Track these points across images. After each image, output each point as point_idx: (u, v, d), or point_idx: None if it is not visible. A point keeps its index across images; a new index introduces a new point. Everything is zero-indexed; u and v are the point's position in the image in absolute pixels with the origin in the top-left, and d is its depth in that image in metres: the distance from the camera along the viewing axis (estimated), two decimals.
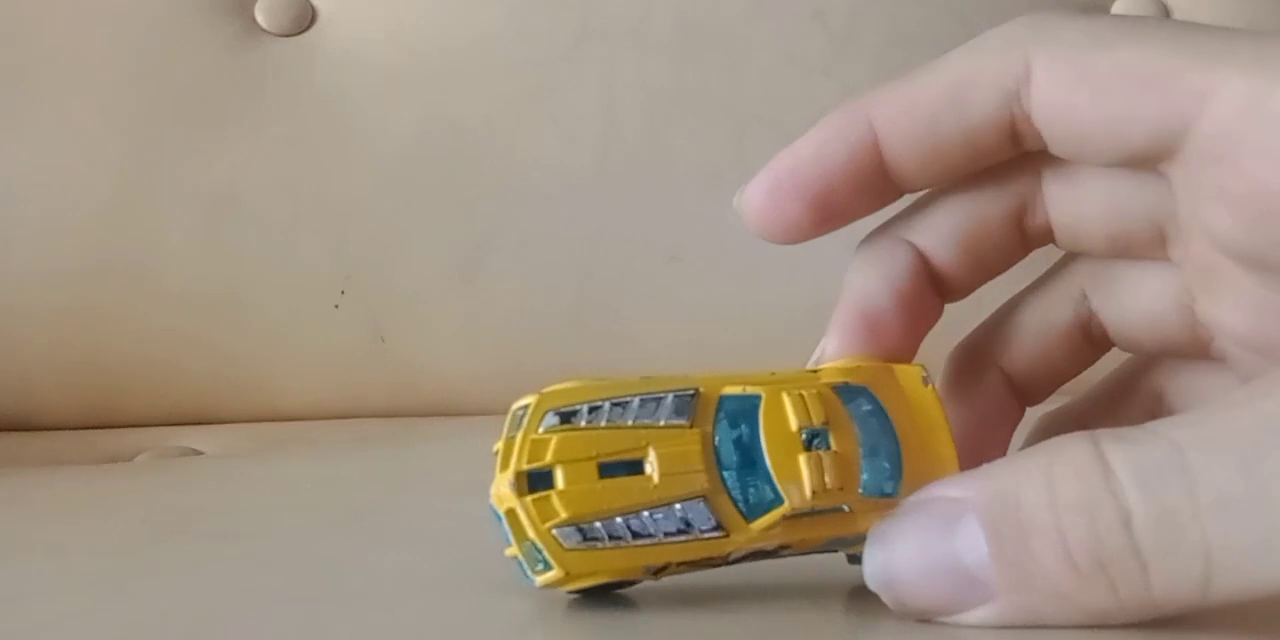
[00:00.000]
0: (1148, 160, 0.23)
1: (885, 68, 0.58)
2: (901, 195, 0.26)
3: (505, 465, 0.22)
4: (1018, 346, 0.28)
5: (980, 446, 0.28)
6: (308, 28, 0.58)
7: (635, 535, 0.22)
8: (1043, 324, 0.28)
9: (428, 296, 0.57)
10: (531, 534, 0.22)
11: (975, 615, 0.21)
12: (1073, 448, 0.21)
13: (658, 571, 0.22)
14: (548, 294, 0.57)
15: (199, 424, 0.56)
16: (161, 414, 0.57)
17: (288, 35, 0.58)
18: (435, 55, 0.58)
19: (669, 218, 0.58)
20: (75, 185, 0.57)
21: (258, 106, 0.58)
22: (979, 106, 0.24)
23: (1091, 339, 0.28)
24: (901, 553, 0.22)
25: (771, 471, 0.22)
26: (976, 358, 0.28)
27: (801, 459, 0.22)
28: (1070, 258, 0.28)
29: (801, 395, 0.23)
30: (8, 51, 0.57)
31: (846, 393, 0.24)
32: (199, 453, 0.53)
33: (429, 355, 0.57)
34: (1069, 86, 0.23)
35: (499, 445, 0.23)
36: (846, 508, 0.23)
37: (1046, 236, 0.27)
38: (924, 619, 0.22)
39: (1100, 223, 0.26)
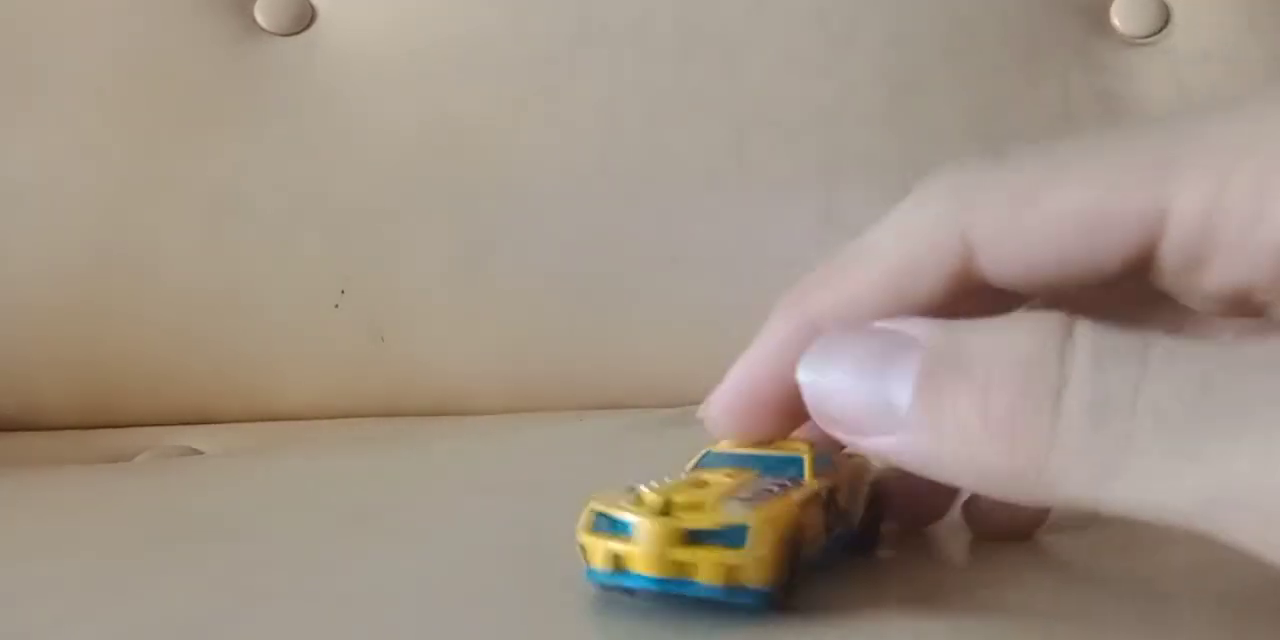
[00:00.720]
0: (1125, 277, 0.23)
1: (885, 68, 0.58)
2: None
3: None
4: None
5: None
6: (307, 27, 0.58)
7: (765, 493, 0.25)
8: None
9: (428, 296, 0.57)
10: (713, 523, 0.24)
11: (880, 441, 0.22)
12: (1046, 315, 0.21)
13: (805, 506, 0.25)
14: (547, 294, 0.57)
15: (199, 423, 0.56)
16: (162, 414, 0.57)
17: (288, 34, 0.58)
18: (435, 54, 0.58)
19: (669, 218, 0.58)
20: (75, 184, 0.57)
21: (257, 105, 0.58)
22: (925, 288, 0.24)
23: None
24: (837, 365, 0.22)
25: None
26: None
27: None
28: None
29: None
30: (8, 51, 0.57)
31: None
32: (199, 452, 0.53)
33: (429, 355, 0.57)
34: (1018, 248, 0.23)
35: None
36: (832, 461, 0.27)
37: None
38: (838, 433, 0.23)
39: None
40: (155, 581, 0.29)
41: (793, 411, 0.25)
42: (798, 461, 0.26)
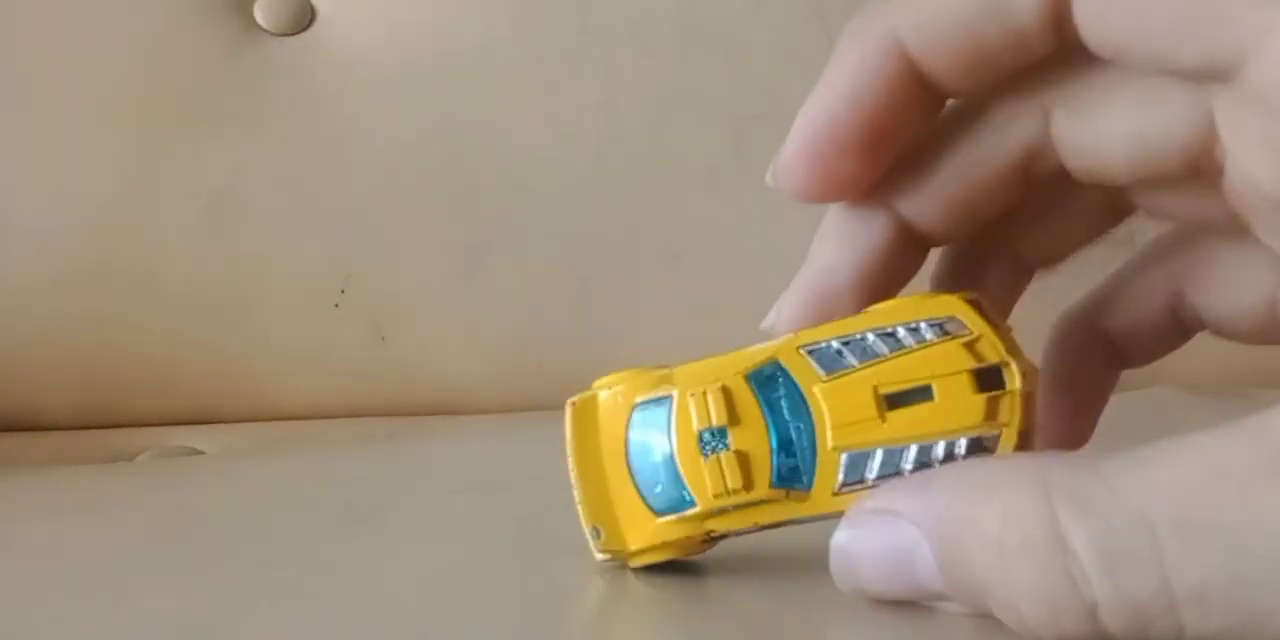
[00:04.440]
0: (1193, 81, 0.22)
1: None
2: (948, 101, 0.24)
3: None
4: (1118, 322, 0.28)
5: (1077, 407, 0.28)
6: (307, 27, 0.58)
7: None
8: (1140, 305, 0.28)
9: (428, 296, 0.57)
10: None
11: (947, 607, 0.22)
12: (1026, 504, 0.20)
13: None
14: (547, 293, 0.57)
15: (200, 423, 0.56)
16: (162, 414, 0.57)
17: (287, 34, 0.58)
18: (435, 54, 0.58)
19: (669, 217, 0.57)
20: (75, 185, 0.57)
21: (257, 106, 0.57)
22: (1021, 12, 0.22)
23: (1182, 323, 0.28)
24: (865, 569, 0.22)
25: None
26: (1079, 326, 0.28)
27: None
28: (1170, 244, 0.27)
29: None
30: (7, 51, 0.57)
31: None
32: (200, 452, 0.53)
33: (429, 354, 0.57)
34: (1115, 7, 0.21)
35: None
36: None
37: (1055, 177, 0.25)
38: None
39: (1124, 158, 0.23)
40: (155, 581, 0.29)
41: (878, 148, 0.23)
42: (690, 504, 0.24)
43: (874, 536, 0.22)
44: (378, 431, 0.55)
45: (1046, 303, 0.29)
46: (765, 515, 0.24)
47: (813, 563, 0.23)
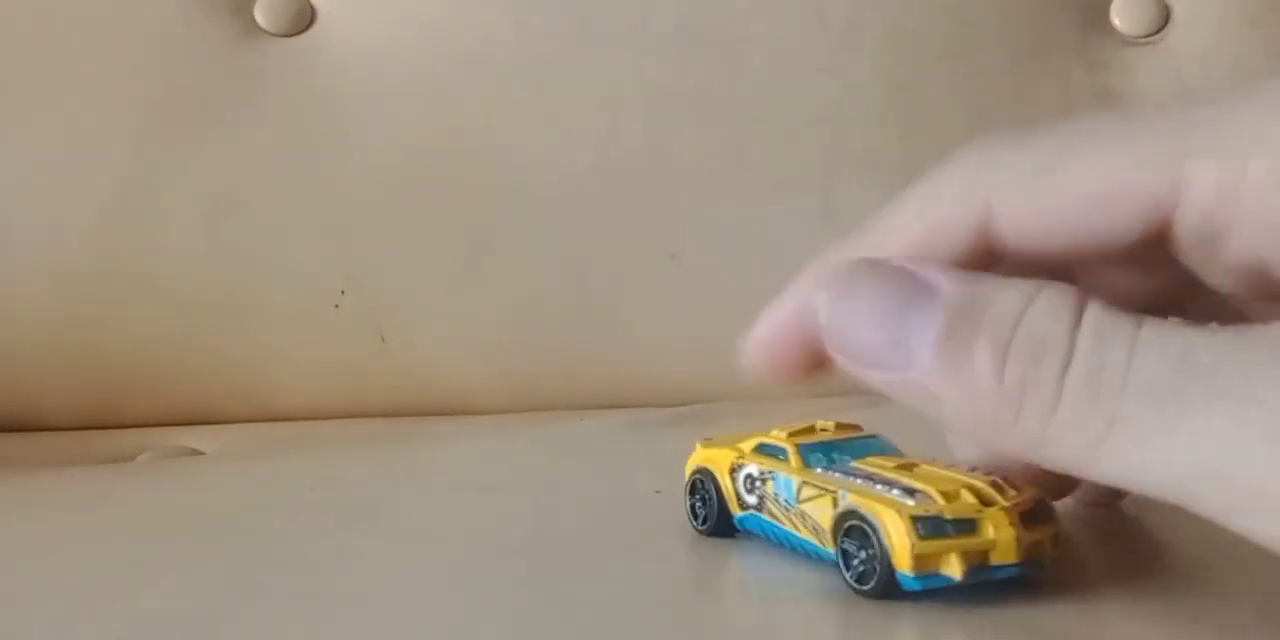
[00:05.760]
0: (1139, 247, 0.24)
1: (885, 66, 0.58)
2: None
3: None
4: None
5: None
6: (307, 28, 0.58)
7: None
8: None
9: (428, 296, 0.57)
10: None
11: (885, 376, 0.23)
12: (1063, 289, 0.22)
13: None
14: (547, 293, 0.57)
15: (200, 424, 0.56)
16: (162, 414, 0.57)
17: (287, 35, 0.58)
18: (435, 55, 0.58)
19: (668, 217, 0.57)
20: (75, 185, 0.57)
21: (257, 107, 0.58)
22: (946, 255, 0.25)
23: None
24: (857, 298, 0.23)
25: None
26: None
27: None
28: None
29: None
30: (7, 52, 0.57)
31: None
32: (200, 453, 0.53)
33: (429, 355, 0.57)
34: (1036, 216, 0.24)
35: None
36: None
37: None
38: (842, 360, 0.24)
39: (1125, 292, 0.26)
40: (155, 581, 0.29)
41: (817, 359, 0.26)
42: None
43: (891, 273, 0.23)
44: (378, 432, 0.55)
45: None
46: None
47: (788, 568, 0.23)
